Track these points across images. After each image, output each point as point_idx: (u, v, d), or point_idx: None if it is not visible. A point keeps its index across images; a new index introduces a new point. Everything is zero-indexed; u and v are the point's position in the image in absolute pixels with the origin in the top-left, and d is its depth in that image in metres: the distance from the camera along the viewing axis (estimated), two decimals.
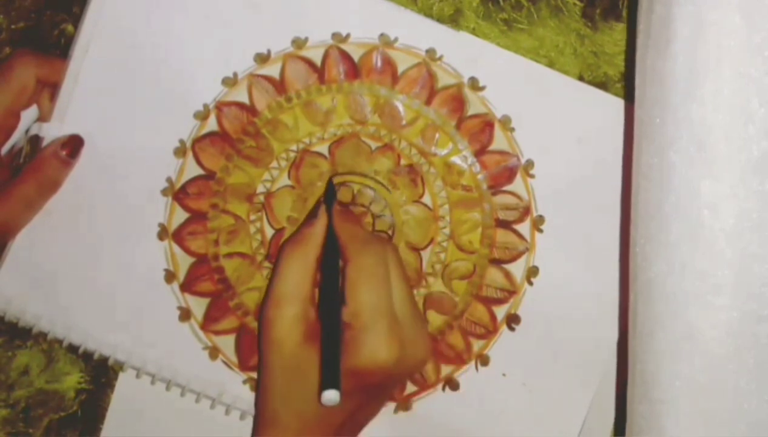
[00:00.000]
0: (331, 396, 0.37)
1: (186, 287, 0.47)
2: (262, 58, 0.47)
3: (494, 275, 0.47)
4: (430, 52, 0.47)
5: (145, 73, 0.47)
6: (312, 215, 0.44)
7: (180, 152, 0.47)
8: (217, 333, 0.47)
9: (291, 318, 0.41)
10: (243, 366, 0.47)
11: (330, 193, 0.46)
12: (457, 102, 0.47)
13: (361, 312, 0.40)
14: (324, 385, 0.37)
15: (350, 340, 0.40)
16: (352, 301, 0.41)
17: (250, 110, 0.47)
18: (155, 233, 0.47)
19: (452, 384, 0.47)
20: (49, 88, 0.46)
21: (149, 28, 0.47)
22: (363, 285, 0.41)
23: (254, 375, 0.47)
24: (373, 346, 0.40)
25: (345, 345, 0.40)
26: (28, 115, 0.46)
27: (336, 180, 0.47)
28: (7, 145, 0.46)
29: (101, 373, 0.48)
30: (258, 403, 0.44)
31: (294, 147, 0.47)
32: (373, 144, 0.47)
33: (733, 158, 0.38)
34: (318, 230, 0.43)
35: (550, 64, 0.48)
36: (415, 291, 0.47)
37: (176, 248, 0.47)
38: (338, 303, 0.41)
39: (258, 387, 0.44)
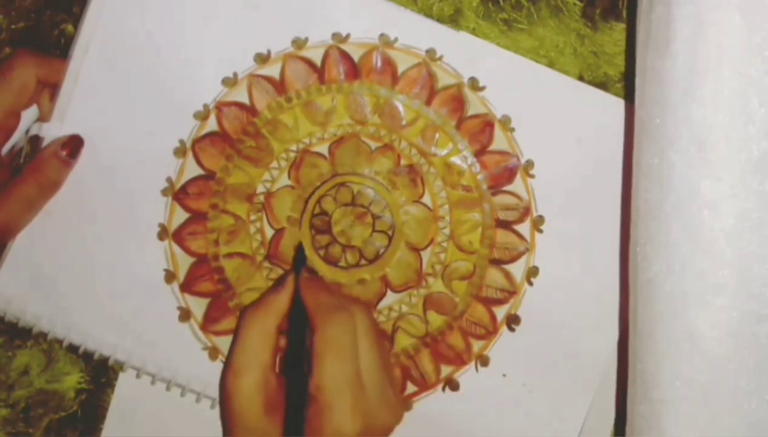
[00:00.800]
0: None
1: (186, 287, 0.47)
2: (262, 58, 0.47)
3: (494, 275, 0.47)
4: (430, 52, 0.47)
5: (145, 73, 0.47)
6: (278, 283, 0.44)
7: (180, 152, 0.47)
8: (217, 333, 0.47)
9: (251, 388, 0.40)
10: None
11: (299, 258, 0.46)
12: (457, 102, 0.47)
13: (325, 386, 0.39)
14: None
15: (315, 414, 0.39)
16: (317, 373, 0.40)
17: (250, 110, 0.47)
18: (155, 233, 0.47)
19: (452, 385, 0.47)
20: (49, 88, 0.46)
21: (149, 28, 0.47)
22: (328, 357, 0.40)
23: None
24: (338, 421, 0.39)
25: (310, 417, 0.39)
26: (28, 115, 0.46)
27: (336, 181, 0.47)
28: (7, 145, 0.46)
29: (101, 373, 0.48)
30: None
31: (294, 147, 0.47)
32: (373, 144, 0.47)
33: (733, 158, 0.38)
34: (282, 298, 0.42)
35: (550, 64, 0.48)
36: (415, 291, 0.47)
37: (176, 248, 0.47)
38: (303, 374, 0.40)
39: None
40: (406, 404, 0.45)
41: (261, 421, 0.40)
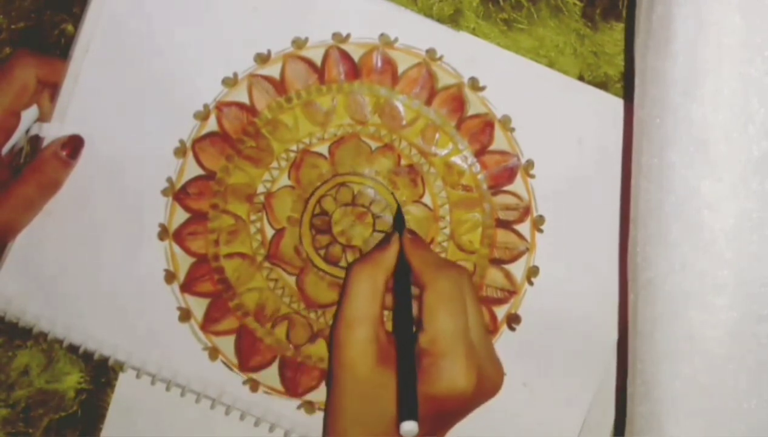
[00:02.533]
0: (410, 426, 0.37)
1: (186, 287, 0.47)
2: (263, 59, 0.47)
3: (494, 275, 0.47)
4: (430, 52, 0.47)
5: (145, 74, 0.47)
6: (384, 242, 0.44)
7: (180, 152, 0.47)
8: (217, 333, 0.47)
9: (363, 340, 0.40)
10: (243, 366, 0.47)
11: (399, 221, 0.46)
12: (457, 102, 0.47)
13: (439, 339, 0.40)
14: (402, 416, 0.37)
15: (428, 367, 0.40)
16: (431, 327, 0.40)
17: (250, 110, 0.47)
18: (155, 233, 0.47)
19: None
20: (49, 89, 0.46)
21: (149, 28, 0.47)
22: (441, 311, 0.40)
23: (254, 375, 0.47)
24: (452, 374, 0.40)
25: (423, 372, 0.40)
26: (29, 115, 0.46)
27: (336, 181, 0.47)
28: (7, 145, 0.46)
29: (101, 373, 0.48)
30: (327, 422, 0.43)
31: (294, 147, 0.47)
32: (374, 144, 0.47)
33: (733, 158, 0.38)
34: (390, 255, 0.43)
35: (550, 64, 0.48)
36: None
37: (176, 249, 0.47)
38: (412, 331, 0.41)
39: (328, 406, 0.43)
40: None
41: (373, 372, 0.40)
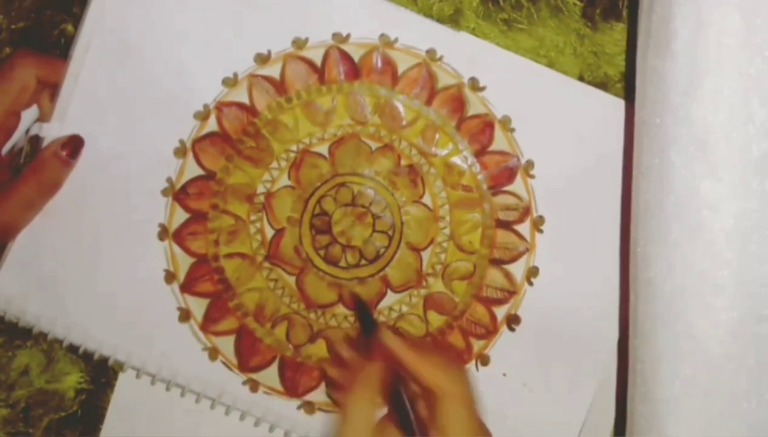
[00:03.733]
0: None
1: (186, 287, 0.47)
2: (263, 59, 0.47)
3: (494, 275, 0.47)
4: (430, 52, 0.47)
5: (145, 74, 0.47)
6: (365, 350, 0.42)
7: (180, 152, 0.47)
8: (217, 333, 0.47)
9: None
10: (242, 366, 0.47)
11: (367, 323, 0.43)
12: (458, 102, 0.47)
13: None
14: None
15: None
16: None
17: (250, 110, 0.47)
18: (155, 233, 0.47)
19: None
20: (49, 89, 0.46)
21: (149, 29, 0.47)
22: (464, 418, 0.38)
23: (253, 375, 0.47)
24: None
25: None
26: (29, 115, 0.46)
27: (336, 181, 0.47)
28: (7, 145, 0.46)
29: (101, 373, 0.48)
30: None
31: (294, 147, 0.47)
32: (374, 144, 0.47)
33: (733, 158, 0.38)
34: (375, 369, 0.40)
35: (550, 64, 0.48)
36: (415, 291, 0.47)
37: (176, 249, 0.47)
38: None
39: None
40: None
41: None
